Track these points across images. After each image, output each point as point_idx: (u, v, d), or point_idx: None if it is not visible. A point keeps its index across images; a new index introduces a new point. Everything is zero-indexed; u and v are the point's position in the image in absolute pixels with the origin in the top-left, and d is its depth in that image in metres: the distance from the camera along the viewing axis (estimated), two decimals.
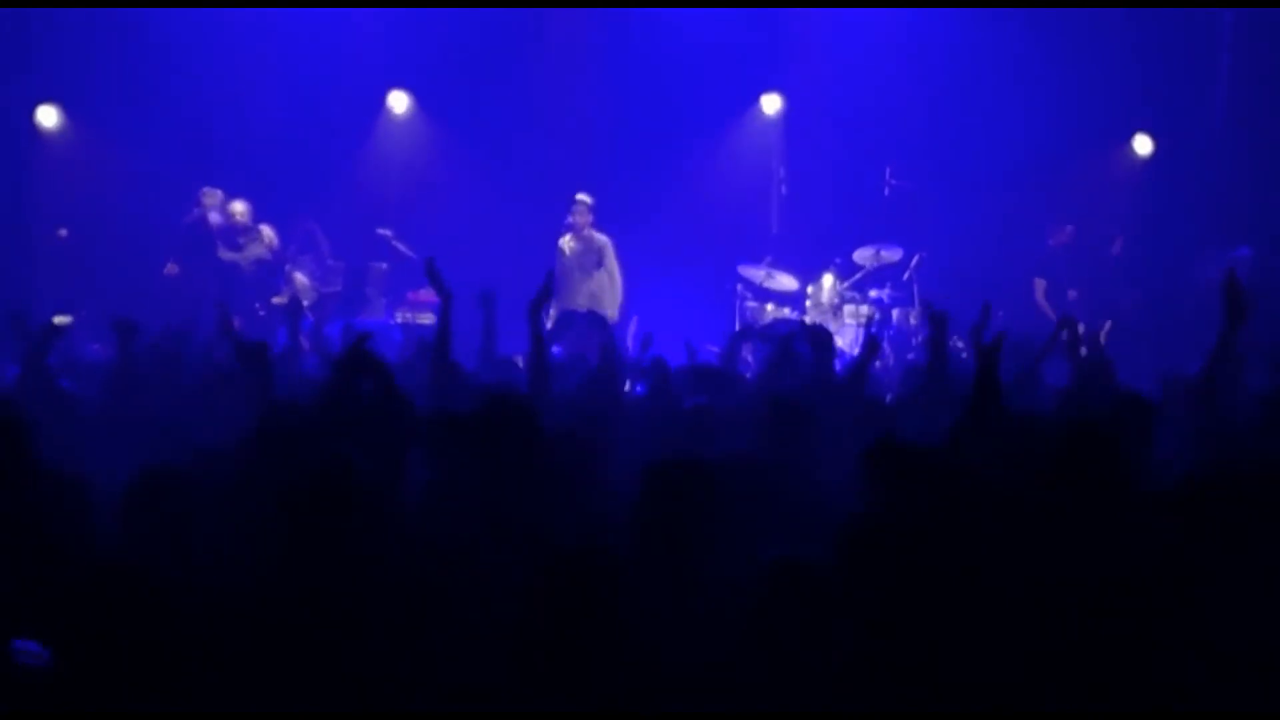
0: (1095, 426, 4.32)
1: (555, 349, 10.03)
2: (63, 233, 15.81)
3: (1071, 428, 4.38)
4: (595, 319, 9.21)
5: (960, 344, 14.40)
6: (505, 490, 5.12)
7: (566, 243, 15.18)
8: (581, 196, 15.18)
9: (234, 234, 15.26)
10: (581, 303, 14.67)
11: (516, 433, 5.27)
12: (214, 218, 15.17)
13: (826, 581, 4.02)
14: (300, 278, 15.36)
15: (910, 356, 13.70)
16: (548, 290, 7.74)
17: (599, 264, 15.11)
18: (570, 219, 15.15)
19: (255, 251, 15.28)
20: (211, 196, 15.20)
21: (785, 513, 5.21)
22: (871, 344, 8.09)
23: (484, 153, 17.20)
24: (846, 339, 14.62)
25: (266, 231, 15.40)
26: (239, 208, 15.33)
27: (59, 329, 7.99)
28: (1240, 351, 8.22)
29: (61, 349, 8.74)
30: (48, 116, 16.67)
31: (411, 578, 4.45)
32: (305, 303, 14.82)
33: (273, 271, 15.35)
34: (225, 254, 15.14)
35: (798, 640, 3.93)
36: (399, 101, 17.65)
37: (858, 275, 15.63)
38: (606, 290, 15.10)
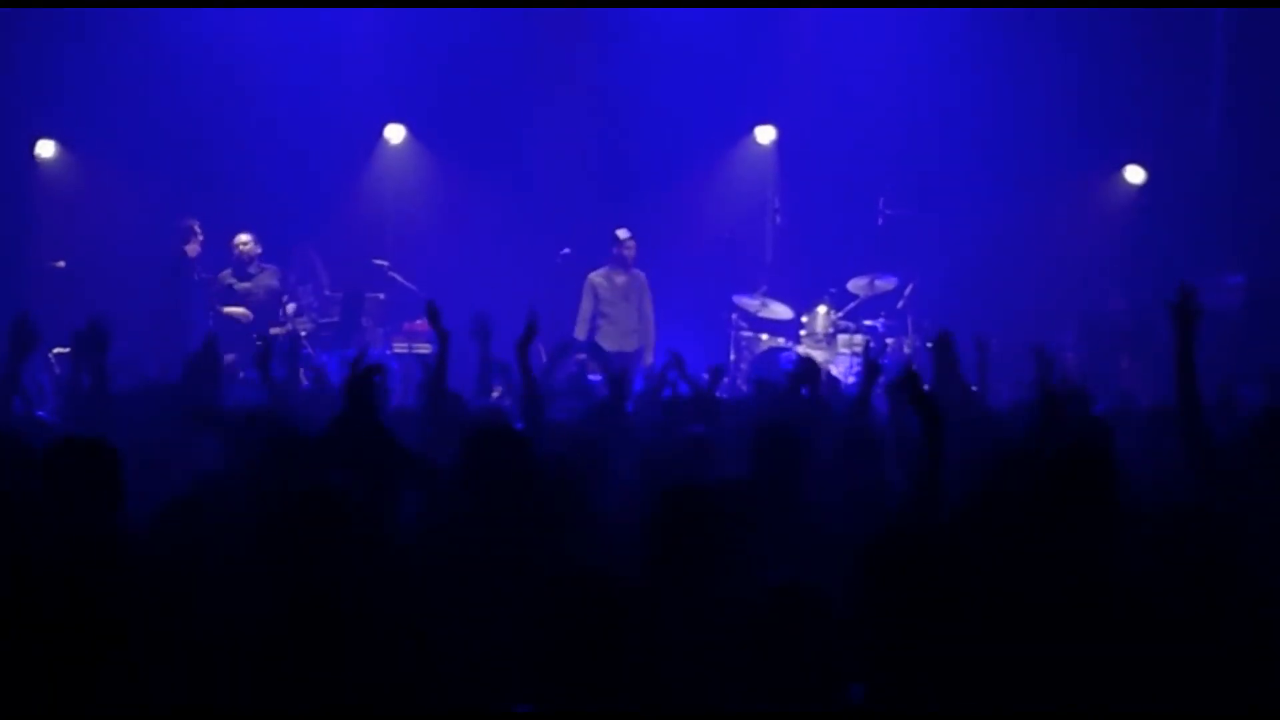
0: (1086, 448, 4.36)
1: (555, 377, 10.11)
2: (60, 264, 15.83)
3: (1061, 451, 4.42)
4: (595, 349, 9.26)
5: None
6: (502, 520, 5.16)
7: (611, 276, 15.36)
8: (625, 232, 15.42)
9: (243, 264, 15.27)
10: (631, 338, 14.98)
11: (510, 466, 5.31)
12: (194, 249, 15.19)
13: (830, 604, 4.06)
14: (291, 308, 15.34)
15: None
16: (533, 328, 7.75)
17: (642, 299, 15.39)
18: (621, 252, 15.43)
19: (266, 281, 15.28)
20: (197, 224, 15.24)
21: (783, 537, 5.27)
22: (872, 368, 8.08)
23: (479, 183, 17.28)
24: (841, 368, 14.67)
25: (271, 271, 15.40)
26: (244, 238, 15.32)
27: (26, 353, 7.71)
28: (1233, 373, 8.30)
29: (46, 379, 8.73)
30: (46, 149, 16.75)
31: (409, 604, 4.49)
32: (303, 333, 14.89)
33: (280, 302, 15.34)
34: (232, 282, 15.15)
35: (802, 662, 3.98)
36: (395, 134, 17.74)
37: (852, 305, 15.69)
38: (649, 326, 15.41)
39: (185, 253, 15.09)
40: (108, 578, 3.85)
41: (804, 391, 8.63)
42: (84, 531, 4.59)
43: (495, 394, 9.38)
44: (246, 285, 15.24)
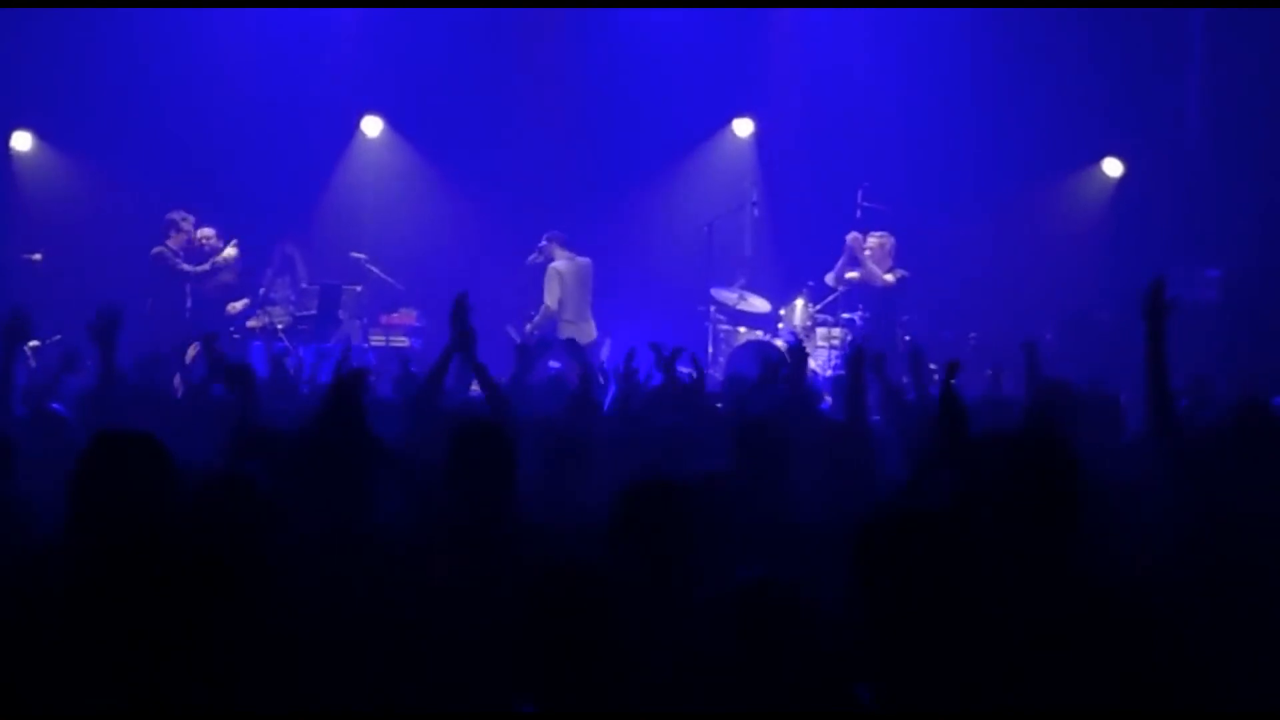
0: (1052, 440, 4.36)
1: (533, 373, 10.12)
2: (37, 257, 15.76)
3: (1028, 442, 4.42)
4: (572, 345, 9.31)
5: (934, 367, 14.48)
6: (483, 514, 5.16)
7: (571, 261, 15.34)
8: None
9: (202, 255, 15.12)
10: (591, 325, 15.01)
11: (491, 458, 5.31)
12: (176, 242, 15.04)
13: (804, 599, 4.06)
14: (235, 306, 15.21)
15: None
16: (465, 332, 7.57)
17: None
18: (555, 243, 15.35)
19: (222, 278, 15.15)
20: (186, 221, 15.06)
21: (759, 532, 5.27)
22: (855, 379, 7.91)
23: (457, 176, 17.29)
24: (819, 361, 14.69)
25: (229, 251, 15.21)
26: (206, 232, 15.21)
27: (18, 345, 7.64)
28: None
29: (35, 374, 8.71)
30: (22, 142, 16.70)
31: (387, 599, 4.48)
32: (280, 326, 14.87)
33: (234, 292, 15.23)
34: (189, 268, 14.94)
35: (777, 658, 3.98)
36: (373, 126, 17.72)
37: (830, 298, 15.69)
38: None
39: (168, 247, 14.93)
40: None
41: (784, 378, 8.60)
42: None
43: (474, 388, 9.36)
44: (200, 268, 15.02)
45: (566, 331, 14.64)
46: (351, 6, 16.93)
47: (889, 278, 15.21)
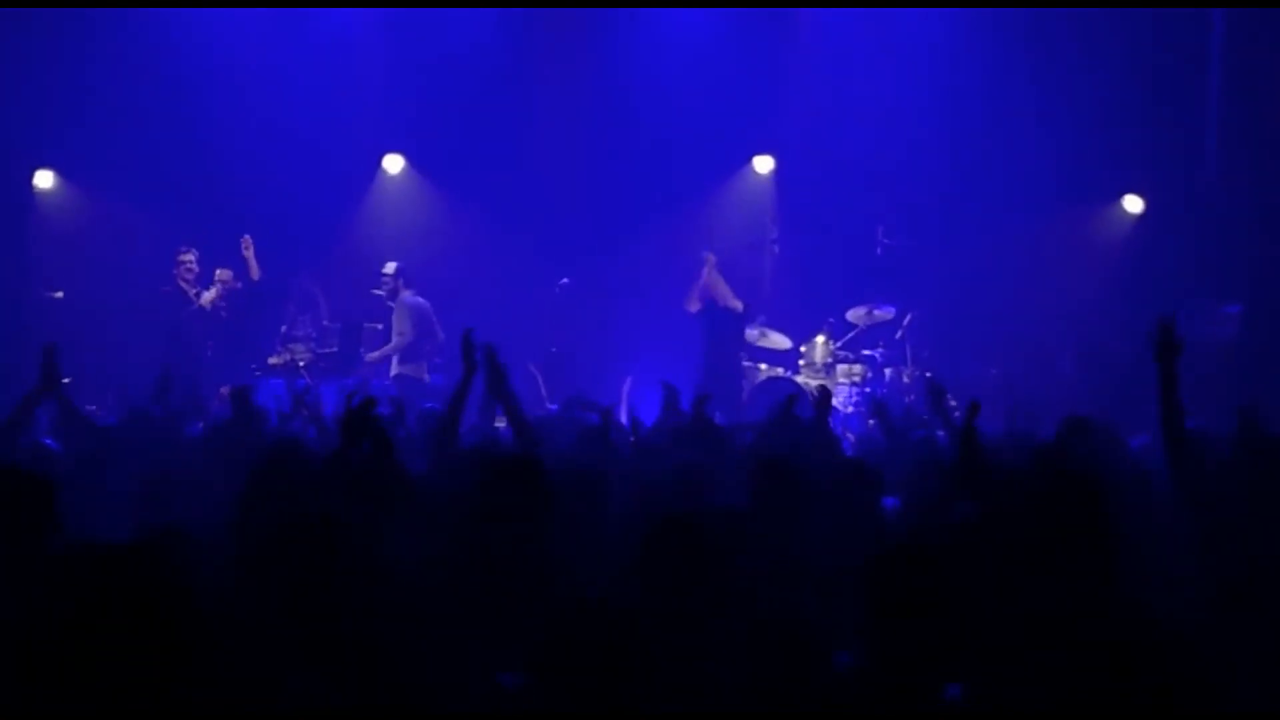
0: (1078, 477, 4.37)
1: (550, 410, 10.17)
2: (58, 295, 15.83)
3: (1054, 479, 4.43)
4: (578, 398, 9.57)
5: (954, 404, 14.47)
6: (506, 546, 5.17)
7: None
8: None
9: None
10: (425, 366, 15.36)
11: (521, 492, 5.32)
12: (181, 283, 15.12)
13: (822, 633, 4.07)
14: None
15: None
16: (496, 364, 7.62)
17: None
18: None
19: (209, 298, 15.25)
20: (187, 255, 15.17)
21: (778, 567, 5.27)
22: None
23: (478, 213, 17.32)
24: (840, 398, 14.69)
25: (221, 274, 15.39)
26: (224, 274, 15.37)
27: (45, 390, 7.71)
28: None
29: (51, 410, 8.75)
30: (44, 180, 16.79)
31: (410, 630, 4.49)
32: (302, 363, 14.91)
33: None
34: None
35: (797, 691, 3.99)
36: (394, 164, 17.81)
37: (851, 334, 15.70)
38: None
39: (180, 288, 14.99)
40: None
41: (807, 418, 8.65)
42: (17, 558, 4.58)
43: (499, 424, 9.39)
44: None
45: (405, 370, 14.85)
46: (362, 6, 17.01)
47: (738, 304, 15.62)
